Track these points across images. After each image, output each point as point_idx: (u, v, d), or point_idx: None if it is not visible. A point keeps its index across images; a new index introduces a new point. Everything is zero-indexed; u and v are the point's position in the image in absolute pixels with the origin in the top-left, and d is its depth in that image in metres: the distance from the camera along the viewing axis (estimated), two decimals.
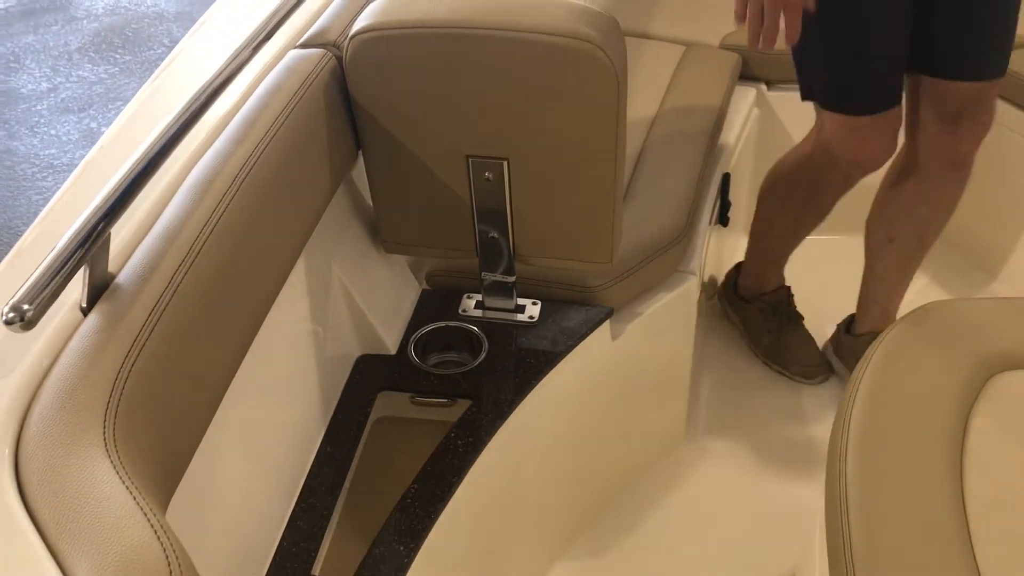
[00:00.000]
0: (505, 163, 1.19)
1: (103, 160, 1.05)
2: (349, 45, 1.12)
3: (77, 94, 3.73)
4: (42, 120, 3.55)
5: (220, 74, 1.09)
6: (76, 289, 0.82)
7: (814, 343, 1.89)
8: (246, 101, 1.09)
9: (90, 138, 3.45)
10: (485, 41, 1.08)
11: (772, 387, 1.86)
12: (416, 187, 1.24)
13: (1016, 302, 1.24)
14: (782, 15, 1.20)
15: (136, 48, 4.11)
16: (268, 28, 1.18)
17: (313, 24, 1.23)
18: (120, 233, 0.90)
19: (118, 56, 4.04)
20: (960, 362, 1.14)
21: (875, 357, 1.15)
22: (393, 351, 1.31)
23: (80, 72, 3.89)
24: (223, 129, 1.04)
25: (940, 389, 1.10)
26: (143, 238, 0.89)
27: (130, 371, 0.76)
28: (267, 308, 1.01)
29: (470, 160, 1.19)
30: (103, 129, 3.59)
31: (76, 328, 0.80)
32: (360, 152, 1.23)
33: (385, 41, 1.10)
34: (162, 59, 4.15)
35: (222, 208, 0.93)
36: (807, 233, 1.75)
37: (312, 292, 1.20)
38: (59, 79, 3.84)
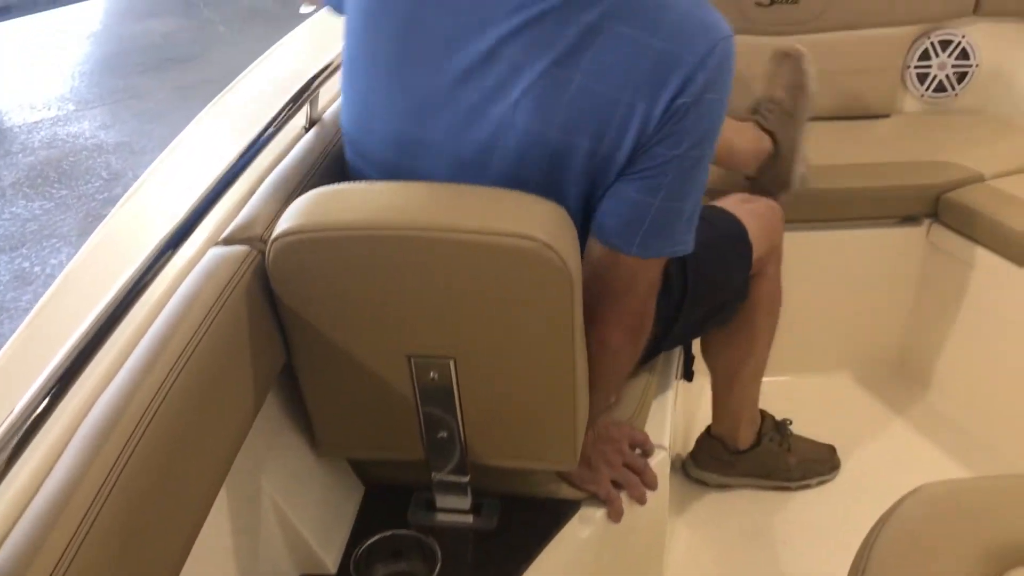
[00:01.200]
0: (452, 362, 1.07)
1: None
2: (272, 248, 1.00)
3: (9, 232, 3.58)
4: None
5: (130, 285, 0.98)
6: None
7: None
8: (160, 311, 0.97)
9: (22, 279, 3.29)
10: (423, 243, 0.97)
11: (750, 546, 1.75)
12: (353, 389, 1.11)
13: (1012, 480, 1.15)
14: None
15: (73, 182, 3.99)
16: (186, 225, 1.07)
17: (235, 217, 1.11)
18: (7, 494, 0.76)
19: (54, 191, 3.92)
20: (968, 557, 1.03)
21: (874, 552, 1.04)
22: (333, 570, 1.16)
23: (13, 209, 3.75)
24: (132, 349, 0.92)
25: None
26: (31, 500, 0.76)
27: None
28: (191, 544, 0.87)
29: (412, 360, 1.07)
30: (35, 269, 3.44)
31: None
32: (289, 356, 1.11)
33: (311, 244, 0.99)
34: (100, 193, 4.00)
35: (127, 454, 0.80)
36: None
37: (240, 515, 1.06)
38: None
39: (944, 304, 2.00)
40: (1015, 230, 1.80)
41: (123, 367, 0.89)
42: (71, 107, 4.86)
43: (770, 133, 1.81)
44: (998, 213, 1.84)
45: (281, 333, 1.08)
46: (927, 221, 1.99)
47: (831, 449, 1.91)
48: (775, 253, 1.60)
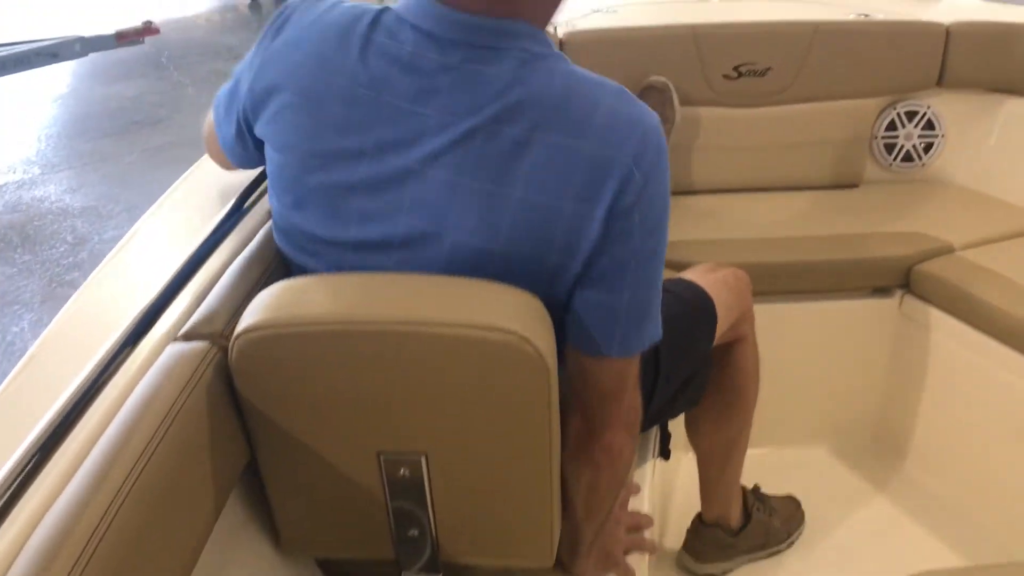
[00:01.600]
0: (423, 457, 1.03)
1: None
2: (235, 345, 0.96)
3: None
4: None
5: (85, 385, 0.93)
6: None
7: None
8: (117, 413, 0.93)
9: None
10: (394, 337, 0.94)
11: None
12: (319, 486, 1.07)
13: (1008, 570, 1.13)
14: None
15: (37, 247, 3.93)
16: (143, 320, 1.03)
17: (194, 311, 1.08)
18: None
19: (17, 256, 3.85)
20: None
21: None
22: None
23: None
24: (88, 452, 0.87)
25: None
26: None
27: None
28: None
29: (382, 457, 1.04)
30: None
31: None
32: (253, 452, 1.07)
33: (277, 340, 0.95)
34: (65, 258, 3.93)
35: (84, 562, 0.76)
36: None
37: None
38: None
39: (919, 375, 1.99)
40: (987, 302, 1.80)
41: (78, 472, 0.85)
42: (36, 170, 4.82)
43: None
44: (970, 285, 1.84)
45: (244, 431, 1.04)
46: (899, 292, 1.99)
47: (792, 499, 1.95)
48: (748, 317, 1.60)
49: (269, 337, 0.95)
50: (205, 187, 1.40)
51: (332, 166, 1.01)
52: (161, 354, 1.01)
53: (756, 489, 1.85)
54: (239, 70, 1.13)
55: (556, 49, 1.03)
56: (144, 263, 1.26)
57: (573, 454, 1.11)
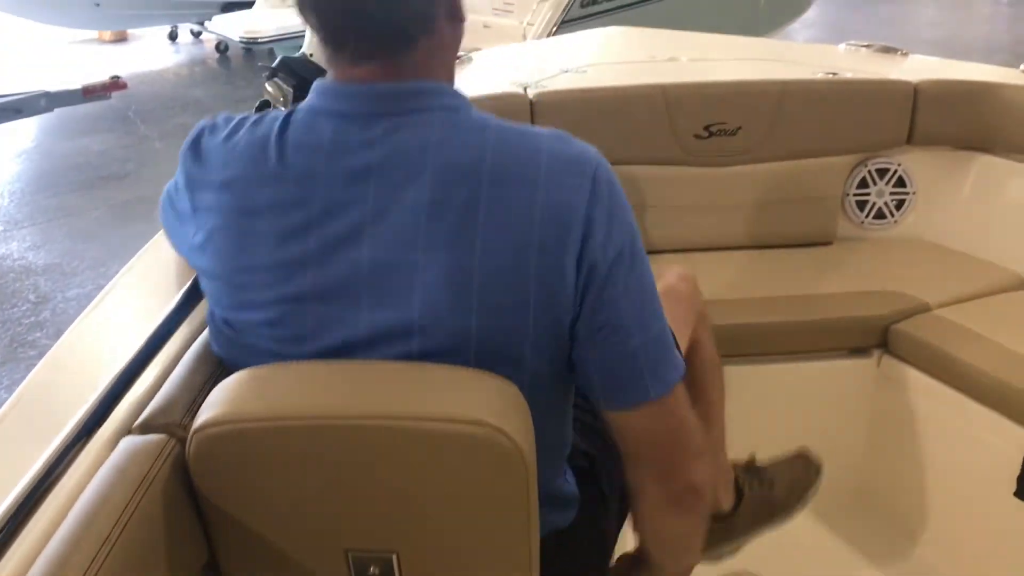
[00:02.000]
0: (395, 556, 0.98)
1: None
2: (193, 440, 0.91)
3: None
4: None
5: (35, 482, 0.88)
6: None
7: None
8: (69, 511, 0.87)
9: None
10: (362, 432, 0.89)
11: None
12: None
13: None
14: None
15: None
16: (96, 412, 0.98)
17: (150, 401, 1.02)
18: None
19: None
20: None
21: None
22: None
23: None
24: (37, 555, 0.82)
25: None
26: None
27: None
28: None
29: (350, 555, 0.98)
30: None
31: None
32: (212, 551, 1.01)
33: (238, 436, 0.90)
34: (26, 317, 3.83)
35: None
36: None
37: None
38: None
39: (899, 436, 1.97)
40: (966, 362, 1.79)
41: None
42: None
43: None
44: (947, 345, 1.83)
45: (202, 528, 0.99)
46: (877, 352, 1.97)
47: (802, 456, 1.82)
48: (703, 318, 1.56)
49: (229, 433, 0.90)
50: (162, 263, 1.34)
51: (275, 282, 0.96)
52: (115, 449, 0.95)
53: (751, 462, 1.77)
54: (170, 187, 1.09)
55: (470, 104, 1.00)
56: (99, 346, 1.21)
57: (653, 512, 1.08)
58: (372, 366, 0.96)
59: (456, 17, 1.00)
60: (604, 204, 0.94)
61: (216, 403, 0.92)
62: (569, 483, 1.18)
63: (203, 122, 1.06)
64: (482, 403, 0.90)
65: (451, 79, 1.02)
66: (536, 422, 0.96)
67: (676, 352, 1.03)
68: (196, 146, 1.04)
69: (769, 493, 1.78)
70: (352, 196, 0.94)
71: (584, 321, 0.96)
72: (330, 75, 0.98)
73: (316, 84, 0.99)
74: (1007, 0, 10.45)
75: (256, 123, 1.01)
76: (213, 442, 0.91)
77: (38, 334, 3.64)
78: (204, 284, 1.05)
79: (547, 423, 1.03)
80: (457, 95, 0.99)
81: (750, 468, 1.78)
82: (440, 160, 0.93)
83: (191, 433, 0.91)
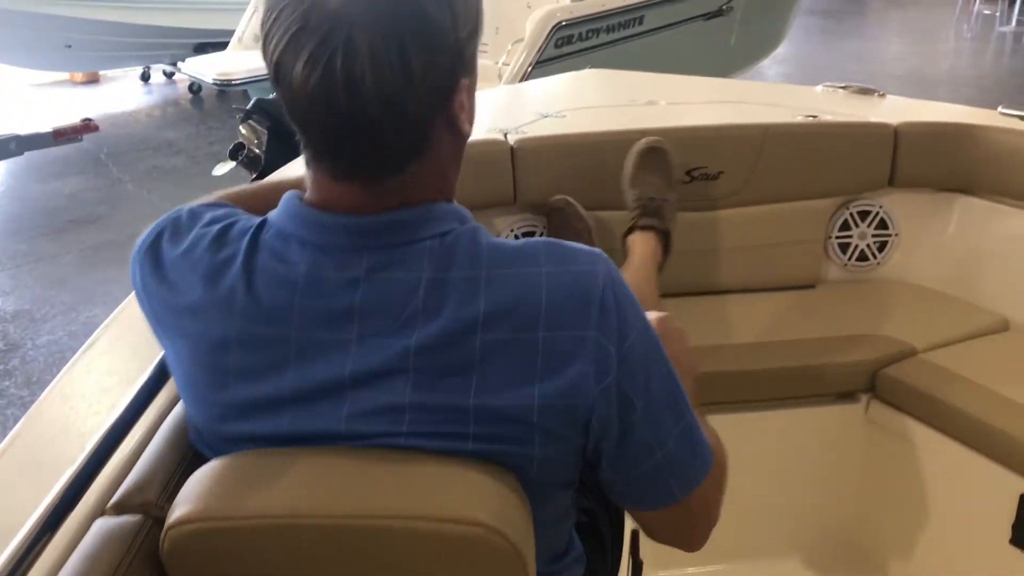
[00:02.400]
0: None
1: None
2: (167, 536, 0.85)
3: None
4: None
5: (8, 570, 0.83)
6: None
7: None
8: None
9: None
10: (344, 532, 0.84)
11: None
12: None
13: None
14: None
15: None
16: (69, 490, 0.93)
17: (124, 478, 0.97)
18: None
19: None
20: None
21: None
22: None
23: None
24: None
25: None
26: None
27: None
28: None
29: None
30: None
31: None
32: None
33: (216, 534, 0.84)
34: None
35: None
36: None
37: None
38: None
39: (889, 482, 1.94)
40: (954, 407, 1.77)
41: None
42: None
43: (666, 231, 1.89)
44: (936, 390, 1.81)
45: None
46: (864, 397, 1.95)
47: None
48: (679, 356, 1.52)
49: (206, 530, 0.84)
50: (135, 329, 1.29)
51: (248, 417, 0.89)
52: (88, 532, 0.90)
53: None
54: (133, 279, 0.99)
55: (465, 218, 0.92)
56: (72, 416, 1.15)
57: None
58: (357, 458, 0.89)
59: (458, 133, 0.90)
60: (614, 326, 0.86)
61: (191, 497, 0.86)
62: (575, 547, 1.14)
63: (163, 220, 0.97)
64: (478, 501, 0.85)
65: (448, 194, 0.93)
66: (537, 509, 0.91)
67: (702, 438, 0.96)
68: (155, 251, 0.95)
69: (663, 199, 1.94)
70: (333, 339, 0.86)
71: (603, 462, 0.92)
72: (307, 183, 0.90)
73: (287, 200, 0.90)
74: (970, 35, 10.65)
75: (220, 238, 0.92)
76: (189, 539, 0.85)
77: (6, 383, 3.55)
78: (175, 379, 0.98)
79: (552, 504, 0.98)
80: (449, 219, 0.90)
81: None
82: (431, 302, 0.85)
83: (165, 529, 0.86)
